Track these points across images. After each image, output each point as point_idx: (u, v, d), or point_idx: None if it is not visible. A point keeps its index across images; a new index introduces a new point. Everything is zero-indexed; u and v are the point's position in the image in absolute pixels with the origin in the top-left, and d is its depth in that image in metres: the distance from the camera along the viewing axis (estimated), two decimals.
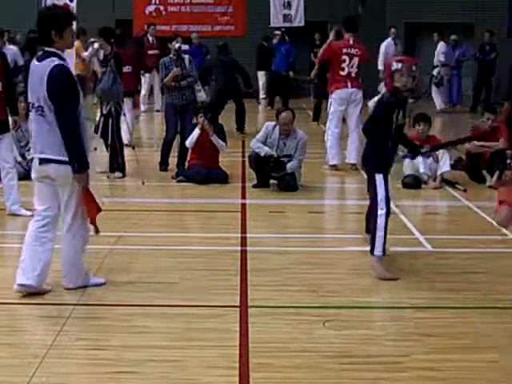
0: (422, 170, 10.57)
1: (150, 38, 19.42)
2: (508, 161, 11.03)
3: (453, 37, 21.54)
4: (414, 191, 10.34)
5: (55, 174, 5.88)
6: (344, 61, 11.57)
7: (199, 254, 7.27)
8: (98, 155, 11.24)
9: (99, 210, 6.14)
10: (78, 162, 5.80)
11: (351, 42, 11.64)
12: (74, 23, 6.38)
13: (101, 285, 6.24)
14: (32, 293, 5.90)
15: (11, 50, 13.78)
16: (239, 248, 7.45)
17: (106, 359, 4.88)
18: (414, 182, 10.50)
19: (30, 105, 5.96)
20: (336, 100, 11.75)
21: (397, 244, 7.67)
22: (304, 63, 21.77)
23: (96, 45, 11.26)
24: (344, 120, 12.05)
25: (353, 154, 11.69)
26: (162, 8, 23.46)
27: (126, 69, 12.79)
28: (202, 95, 13.58)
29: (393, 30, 20.02)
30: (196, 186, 10.44)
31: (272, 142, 10.30)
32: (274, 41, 21.31)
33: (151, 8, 23.42)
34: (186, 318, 5.63)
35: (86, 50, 16.74)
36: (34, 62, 5.92)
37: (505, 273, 6.82)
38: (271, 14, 22.74)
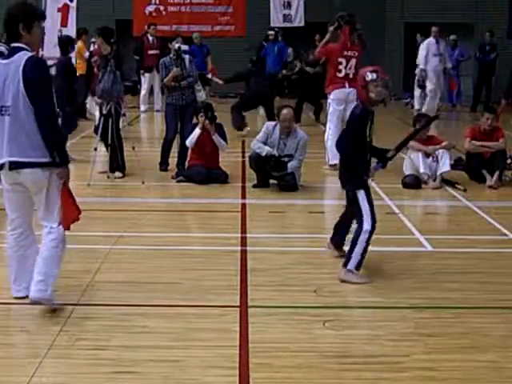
0: (421, 169, 10.57)
1: (150, 38, 19.43)
2: (508, 161, 11.09)
3: (452, 37, 21.55)
4: (414, 191, 10.35)
5: (29, 178, 5.56)
6: (341, 63, 11.60)
7: (199, 254, 7.27)
8: (99, 155, 11.24)
9: (79, 211, 5.87)
10: (61, 155, 5.60)
11: (349, 44, 11.64)
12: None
13: (54, 306, 5.69)
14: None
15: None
16: (239, 248, 7.45)
17: (106, 359, 4.89)
18: (413, 182, 10.50)
19: None
20: (334, 100, 11.80)
21: (397, 244, 7.68)
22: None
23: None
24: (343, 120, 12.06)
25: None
26: (161, 8, 23.47)
27: None
28: (201, 95, 13.58)
29: (434, 28, 19.25)
30: (196, 186, 10.44)
31: (272, 141, 10.30)
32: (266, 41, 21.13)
33: (151, 8, 23.43)
34: (185, 318, 5.63)
35: (89, 50, 16.82)
36: (0, 61, 5.56)
37: (505, 273, 6.82)
38: (271, 14, 22.76)
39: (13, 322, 5.61)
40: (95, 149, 10.97)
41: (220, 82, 17.60)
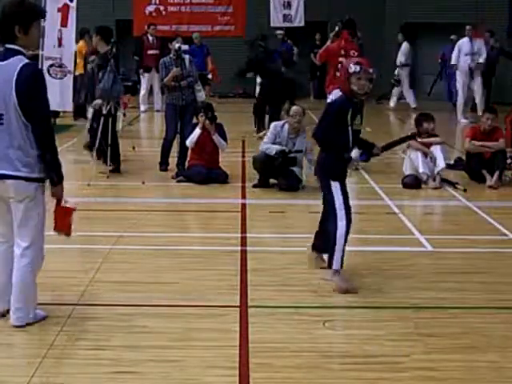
0: (421, 169, 10.57)
1: (150, 38, 19.45)
2: (508, 161, 11.10)
3: (453, 37, 21.54)
4: (414, 191, 10.35)
5: (13, 192, 5.18)
6: (341, 62, 11.58)
7: (199, 254, 7.27)
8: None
9: (70, 225, 5.53)
10: (58, 173, 5.24)
11: (348, 44, 11.65)
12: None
13: (43, 318, 5.50)
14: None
15: None
16: (239, 248, 7.45)
17: (106, 359, 4.89)
18: (413, 182, 10.51)
19: None
20: None
21: (397, 244, 7.68)
22: (304, 63, 21.81)
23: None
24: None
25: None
26: (161, 8, 23.46)
27: None
28: (201, 95, 13.58)
29: (468, 27, 19.01)
30: (196, 186, 10.44)
31: (281, 141, 10.30)
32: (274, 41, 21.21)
33: (151, 8, 23.42)
34: (185, 318, 5.63)
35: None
36: None
37: (505, 273, 6.82)
38: (271, 14, 22.74)
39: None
40: (95, 149, 10.97)
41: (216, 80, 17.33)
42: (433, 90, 22.94)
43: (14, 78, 5.02)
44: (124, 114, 12.61)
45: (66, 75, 15.23)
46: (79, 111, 16.09)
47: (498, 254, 7.47)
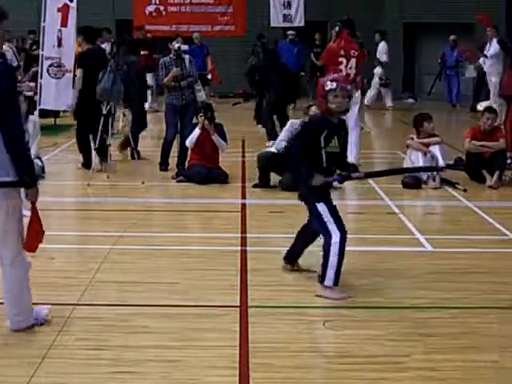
0: None
1: (141, 38, 19.65)
2: (508, 161, 11.10)
3: (452, 37, 21.55)
4: (414, 191, 10.35)
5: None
6: (341, 62, 11.58)
7: (199, 254, 7.27)
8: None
9: (43, 232, 5.29)
10: (31, 175, 5.06)
11: (348, 43, 11.65)
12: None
13: (44, 320, 5.39)
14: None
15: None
16: (239, 248, 7.45)
17: (106, 359, 4.88)
18: (413, 182, 10.50)
19: None
20: None
21: (397, 244, 7.68)
22: (305, 63, 21.79)
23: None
24: None
25: (352, 154, 11.68)
26: (161, 8, 23.44)
27: None
28: (201, 95, 13.59)
29: (489, 29, 18.48)
30: (196, 186, 10.44)
31: None
32: (283, 41, 21.26)
33: (151, 8, 23.39)
34: (185, 318, 5.63)
35: None
36: None
37: (505, 273, 6.82)
38: (271, 14, 22.76)
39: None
40: (95, 149, 10.97)
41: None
42: (433, 89, 22.95)
43: None
44: (124, 114, 12.61)
45: (63, 74, 15.21)
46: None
47: (498, 253, 7.47)
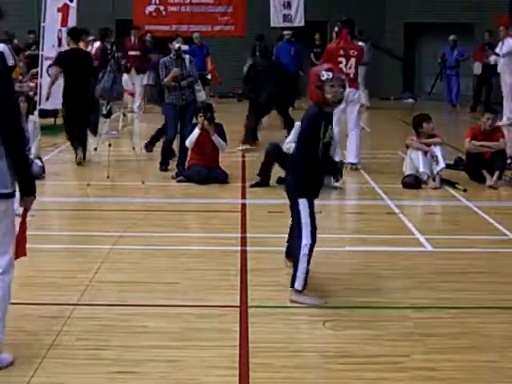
0: (421, 169, 10.57)
1: (132, 39, 19.67)
2: (508, 161, 11.10)
3: (452, 37, 21.55)
4: (414, 191, 10.35)
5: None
6: (341, 62, 11.57)
7: (199, 254, 7.27)
8: (99, 155, 11.25)
9: (25, 252, 4.87)
10: (31, 182, 4.68)
11: (347, 43, 11.65)
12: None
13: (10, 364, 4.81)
14: None
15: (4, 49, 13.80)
16: (239, 248, 7.45)
17: (106, 359, 4.88)
18: (413, 182, 10.50)
19: None
20: None
21: (397, 244, 7.68)
22: (304, 63, 21.79)
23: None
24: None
25: (352, 154, 11.70)
26: (161, 8, 23.42)
27: None
28: (201, 95, 13.55)
29: (501, 27, 18.57)
30: (196, 186, 10.44)
31: None
32: (280, 41, 21.34)
33: (151, 8, 23.38)
34: (185, 318, 5.63)
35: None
36: None
37: (505, 273, 6.82)
38: (271, 14, 22.76)
39: (13, 322, 5.60)
40: (95, 149, 10.98)
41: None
42: (433, 90, 22.98)
43: None
44: (124, 114, 12.62)
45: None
46: None
47: (498, 253, 7.47)
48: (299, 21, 22.57)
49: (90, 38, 17.11)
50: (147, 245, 7.53)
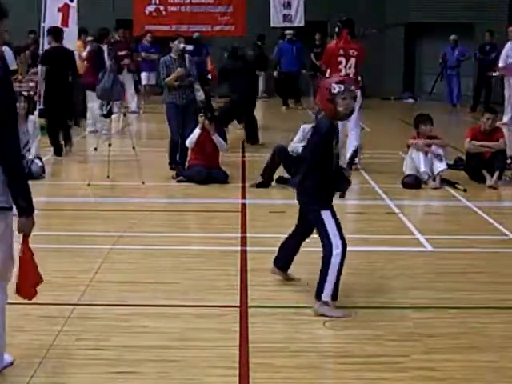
0: (422, 168, 10.57)
1: (118, 39, 19.73)
2: (508, 161, 11.10)
3: (452, 37, 21.55)
4: (414, 191, 10.35)
5: None
6: (340, 62, 11.56)
7: (199, 254, 7.27)
8: (99, 155, 11.25)
9: (41, 277, 4.72)
10: (29, 200, 4.30)
11: (347, 43, 11.63)
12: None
13: (11, 364, 4.75)
14: None
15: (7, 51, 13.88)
16: (239, 248, 7.45)
17: (106, 359, 4.89)
18: (413, 182, 10.50)
19: None
20: None
21: (397, 244, 7.68)
22: (305, 63, 21.83)
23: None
24: None
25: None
26: (161, 8, 23.41)
27: None
28: (200, 95, 13.55)
29: (510, 28, 18.28)
30: (196, 186, 10.44)
31: None
32: (281, 41, 21.52)
33: (151, 8, 23.36)
34: (185, 318, 5.63)
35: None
36: None
37: (505, 273, 6.82)
38: (271, 14, 22.76)
39: (13, 322, 5.60)
40: (95, 149, 10.98)
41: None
42: (433, 90, 22.98)
43: None
44: (124, 114, 12.62)
45: None
46: (79, 111, 16.09)
47: (498, 253, 7.47)
48: (299, 21, 22.57)
49: (89, 38, 17.10)
50: (147, 245, 7.53)
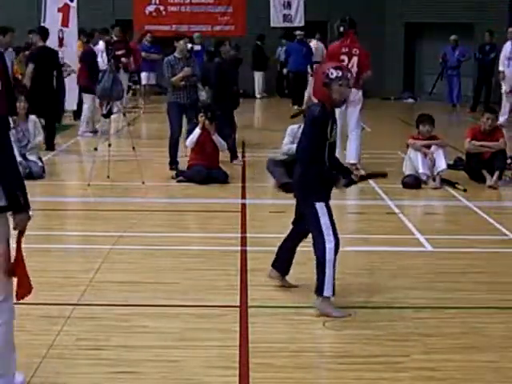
0: (421, 170, 10.57)
1: (115, 38, 19.71)
2: (508, 161, 11.10)
3: (453, 37, 21.54)
4: (414, 191, 10.34)
5: None
6: (343, 61, 11.54)
7: (199, 254, 7.27)
8: (99, 155, 11.25)
9: (31, 286, 4.28)
10: (24, 194, 4.02)
11: (349, 42, 11.63)
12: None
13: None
14: None
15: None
16: (239, 248, 7.45)
17: (106, 359, 4.89)
18: (413, 182, 10.50)
19: None
20: None
21: (397, 244, 7.68)
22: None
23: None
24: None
25: (353, 154, 11.67)
26: (161, 8, 23.42)
27: None
28: (204, 94, 13.54)
29: (510, 29, 18.18)
30: (196, 186, 10.43)
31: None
32: (295, 39, 21.66)
33: (151, 8, 23.37)
34: (185, 318, 5.63)
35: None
36: None
37: (505, 273, 6.82)
38: (271, 14, 22.78)
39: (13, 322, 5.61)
40: (95, 149, 10.97)
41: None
42: (434, 90, 22.97)
43: None
44: (124, 114, 12.62)
45: (69, 74, 15.26)
46: (79, 111, 16.10)
47: (498, 253, 7.47)
48: (299, 21, 22.59)
49: (83, 39, 17.11)
50: (147, 245, 7.53)
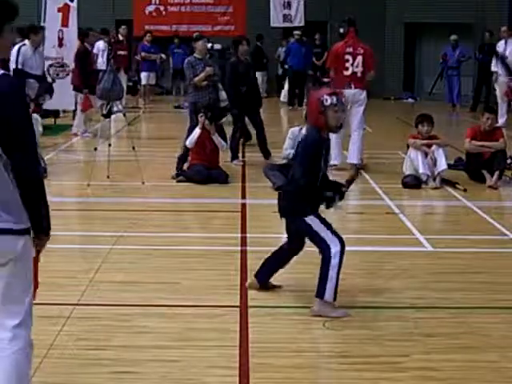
0: (421, 170, 10.57)
1: (121, 39, 19.73)
2: (508, 161, 11.11)
3: (453, 37, 21.55)
4: (414, 191, 10.35)
5: (13, 251, 3.79)
6: (347, 60, 11.53)
7: (199, 254, 7.27)
8: (100, 155, 11.25)
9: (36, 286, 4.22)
10: (48, 220, 3.94)
11: (353, 41, 11.62)
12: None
13: None
14: None
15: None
16: (239, 248, 7.45)
17: (106, 359, 4.88)
18: (413, 182, 10.50)
19: None
20: None
21: (397, 244, 7.68)
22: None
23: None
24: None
25: (354, 154, 11.68)
26: (161, 8, 23.45)
27: None
28: (224, 94, 13.50)
29: (503, 28, 18.27)
30: (196, 186, 10.44)
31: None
32: (291, 39, 21.76)
33: (151, 8, 23.41)
34: (185, 318, 5.63)
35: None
36: None
37: (505, 273, 6.82)
38: (271, 14, 22.79)
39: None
40: (95, 149, 10.97)
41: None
42: (433, 90, 22.97)
43: None
44: (124, 114, 12.62)
45: (68, 74, 15.26)
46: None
47: (498, 254, 7.47)
48: (299, 21, 22.61)
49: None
50: (147, 245, 7.53)
